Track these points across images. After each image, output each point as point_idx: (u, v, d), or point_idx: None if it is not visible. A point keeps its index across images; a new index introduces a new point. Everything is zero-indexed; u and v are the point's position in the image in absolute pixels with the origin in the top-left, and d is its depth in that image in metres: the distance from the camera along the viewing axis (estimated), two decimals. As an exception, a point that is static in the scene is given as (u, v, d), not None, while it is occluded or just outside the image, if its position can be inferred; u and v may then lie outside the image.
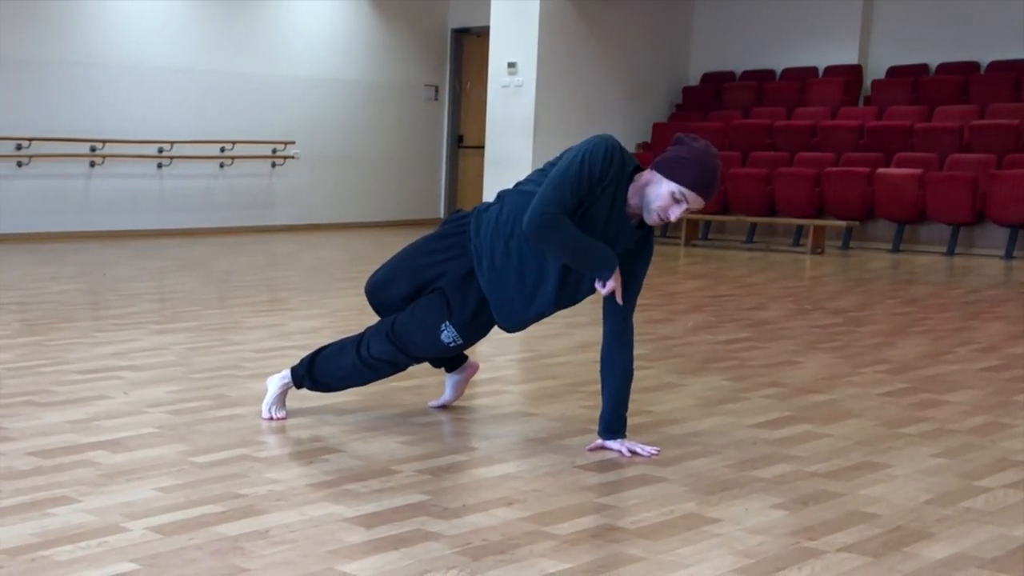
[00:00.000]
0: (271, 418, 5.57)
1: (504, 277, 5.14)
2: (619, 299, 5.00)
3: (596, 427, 5.25)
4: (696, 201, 4.92)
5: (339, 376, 5.50)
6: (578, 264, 4.95)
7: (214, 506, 4.23)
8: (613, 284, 4.95)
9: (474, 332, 5.33)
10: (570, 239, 4.86)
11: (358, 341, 5.41)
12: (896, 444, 5.45)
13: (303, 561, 3.67)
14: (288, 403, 5.75)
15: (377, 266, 5.50)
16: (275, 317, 8.90)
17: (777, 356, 7.77)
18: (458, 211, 5.46)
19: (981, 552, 3.96)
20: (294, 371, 5.57)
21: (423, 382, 6.59)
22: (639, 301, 5.18)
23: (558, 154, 5.15)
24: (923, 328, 9.16)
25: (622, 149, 4.97)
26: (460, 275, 5.22)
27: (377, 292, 5.46)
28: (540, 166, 5.24)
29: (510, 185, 5.31)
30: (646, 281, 5.21)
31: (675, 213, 4.94)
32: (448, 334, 5.27)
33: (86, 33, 16.25)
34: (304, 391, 5.68)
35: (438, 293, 5.26)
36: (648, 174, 4.97)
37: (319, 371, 5.51)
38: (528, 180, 5.16)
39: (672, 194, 4.89)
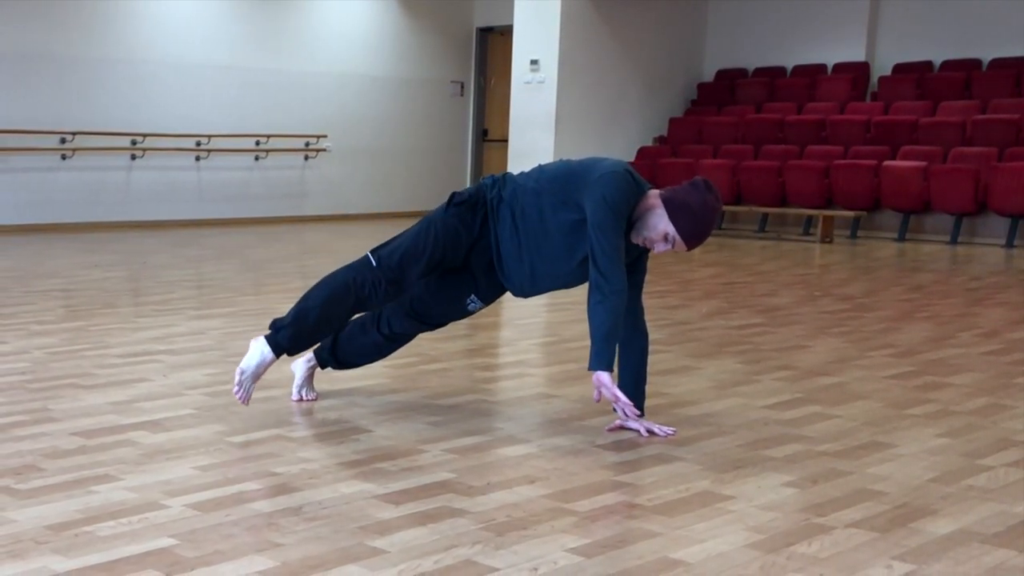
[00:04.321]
0: (300, 399, 5.58)
1: (517, 268, 5.12)
2: (600, 396, 4.95)
3: (614, 408, 5.25)
4: (681, 248, 4.96)
5: (363, 354, 5.55)
6: (597, 334, 4.85)
7: (250, 484, 4.24)
8: (601, 384, 4.89)
9: (494, 297, 5.40)
10: (612, 324, 4.83)
11: (377, 320, 5.41)
12: (902, 425, 5.44)
13: (335, 536, 3.67)
14: (319, 386, 5.76)
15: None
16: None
17: (788, 340, 7.75)
18: (458, 193, 5.26)
19: (983, 528, 3.95)
20: (317, 353, 5.58)
21: (448, 365, 6.59)
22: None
23: (561, 160, 5.18)
24: (928, 314, 9.13)
25: (633, 174, 4.97)
26: (485, 264, 5.20)
27: (397, 272, 5.27)
28: (542, 163, 5.26)
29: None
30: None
31: (659, 249, 5.00)
32: (474, 305, 5.36)
33: (128, 31, 16.28)
34: (331, 372, 5.69)
35: (464, 274, 5.24)
36: (655, 200, 4.95)
37: (342, 351, 5.54)
38: (540, 189, 5.06)
39: (666, 234, 4.90)
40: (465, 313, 5.42)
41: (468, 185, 20.40)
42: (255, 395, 5.49)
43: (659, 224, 4.89)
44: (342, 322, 5.37)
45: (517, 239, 5.07)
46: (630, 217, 4.93)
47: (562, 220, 4.97)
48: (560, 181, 5.00)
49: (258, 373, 5.18)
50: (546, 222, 5.01)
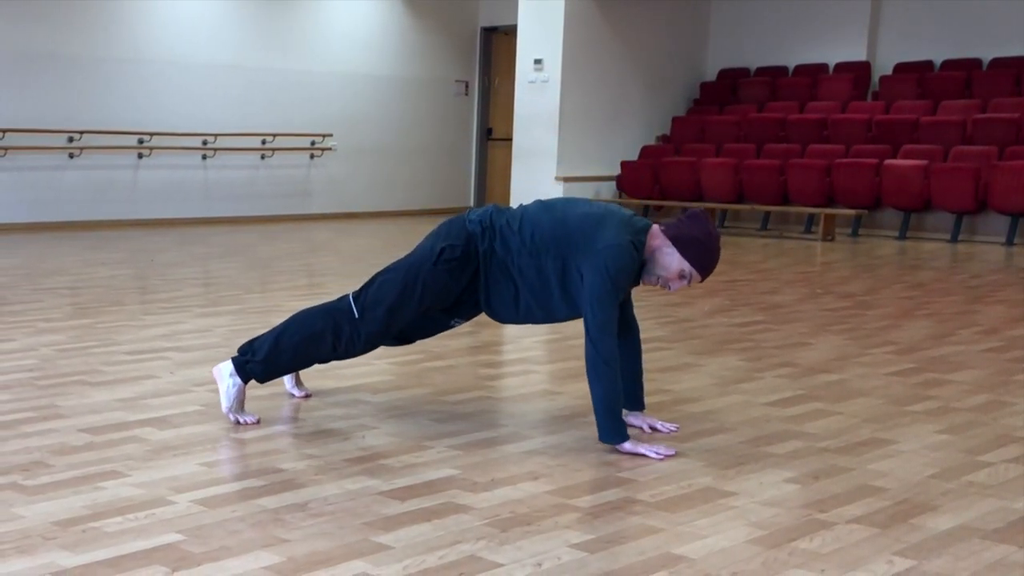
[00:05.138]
0: (307, 396, 5.58)
1: (510, 311, 5.08)
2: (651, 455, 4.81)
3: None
4: (696, 281, 4.91)
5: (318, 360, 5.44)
6: (601, 407, 4.77)
7: (255, 480, 4.24)
8: (624, 451, 4.80)
9: (476, 315, 5.33)
10: (611, 388, 4.74)
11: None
12: (903, 421, 5.44)
13: (340, 532, 3.67)
14: (325, 383, 5.77)
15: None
16: (314, 301, 8.84)
17: (790, 338, 7.75)
18: (448, 248, 5.04)
19: (983, 524, 3.95)
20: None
21: (453, 362, 6.60)
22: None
23: (548, 207, 5.01)
24: (928, 311, 9.13)
25: (636, 243, 4.83)
26: (472, 301, 5.15)
27: (381, 326, 5.13)
28: (542, 199, 5.17)
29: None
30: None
31: (675, 286, 4.94)
32: (456, 323, 5.35)
33: (134, 31, 16.28)
34: (335, 369, 5.68)
35: (450, 309, 5.21)
36: (661, 240, 4.88)
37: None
38: (538, 249, 4.93)
39: (681, 271, 4.85)
40: (445, 330, 5.44)
41: (472, 180, 20.49)
42: (260, 391, 5.50)
43: (672, 263, 4.85)
44: (316, 362, 5.33)
45: (514, 291, 5.01)
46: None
47: (567, 284, 4.89)
48: (560, 244, 4.88)
49: (241, 400, 5.14)
50: (548, 282, 4.93)
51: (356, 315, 5.06)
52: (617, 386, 4.75)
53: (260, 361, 5.10)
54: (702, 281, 4.96)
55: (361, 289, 5.15)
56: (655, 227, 4.94)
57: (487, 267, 5.02)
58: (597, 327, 4.72)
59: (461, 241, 5.02)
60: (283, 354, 5.11)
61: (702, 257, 4.83)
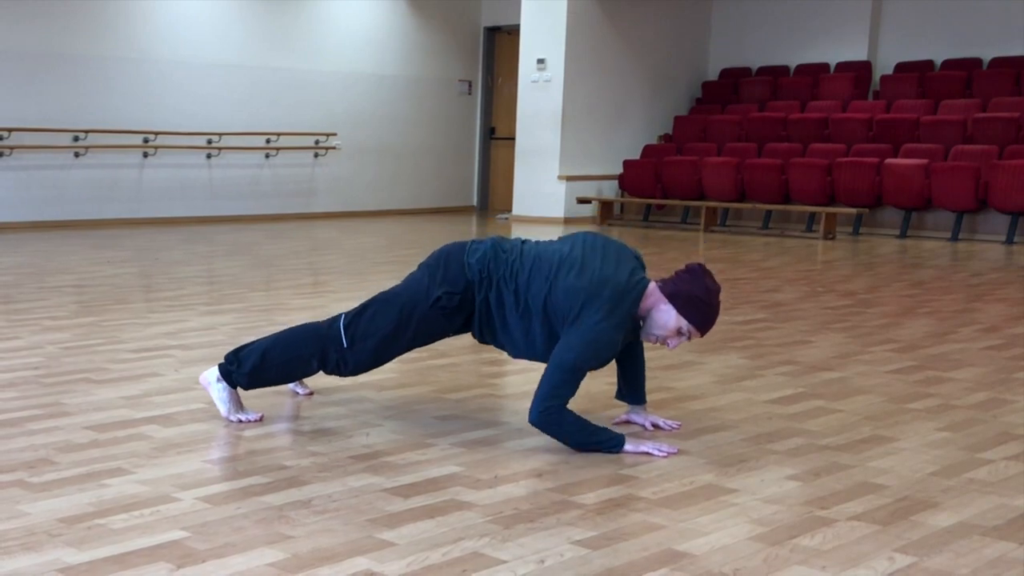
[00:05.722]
0: (311, 393, 5.58)
1: (497, 345, 5.07)
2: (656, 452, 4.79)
3: (619, 403, 5.27)
4: (695, 337, 4.88)
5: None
6: (577, 444, 4.73)
7: (260, 477, 4.24)
8: (627, 454, 4.75)
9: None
10: (574, 432, 4.70)
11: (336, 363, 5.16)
12: (903, 419, 5.43)
13: (344, 529, 3.67)
14: (329, 382, 5.77)
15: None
16: (317, 299, 8.90)
17: (791, 336, 7.75)
18: (447, 295, 4.99)
19: (983, 521, 3.95)
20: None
21: (456, 360, 6.60)
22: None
23: (543, 258, 4.91)
24: (929, 309, 9.12)
25: (622, 326, 4.76)
26: (463, 330, 5.14)
27: (369, 358, 5.10)
28: (538, 239, 5.12)
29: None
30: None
31: (674, 344, 4.88)
32: (451, 335, 5.29)
33: (140, 31, 16.28)
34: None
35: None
36: (657, 296, 4.83)
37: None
38: (529, 311, 4.87)
39: (679, 329, 4.81)
40: (440, 340, 5.41)
41: (475, 179, 20.48)
42: (264, 389, 5.49)
43: (669, 322, 4.79)
44: (303, 378, 5.30)
45: (503, 339, 5.01)
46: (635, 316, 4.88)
47: (553, 344, 4.82)
48: (547, 312, 4.82)
49: (236, 402, 5.13)
50: (534, 342, 4.90)
51: (345, 344, 5.02)
52: (575, 423, 4.69)
53: (245, 373, 5.07)
54: (702, 336, 4.94)
55: (353, 315, 5.07)
56: (652, 285, 4.88)
57: (481, 314, 4.99)
58: (550, 387, 4.66)
59: (459, 289, 4.96)
60: (268, 371, 5.09)
61: (702, 316, 4.79)
